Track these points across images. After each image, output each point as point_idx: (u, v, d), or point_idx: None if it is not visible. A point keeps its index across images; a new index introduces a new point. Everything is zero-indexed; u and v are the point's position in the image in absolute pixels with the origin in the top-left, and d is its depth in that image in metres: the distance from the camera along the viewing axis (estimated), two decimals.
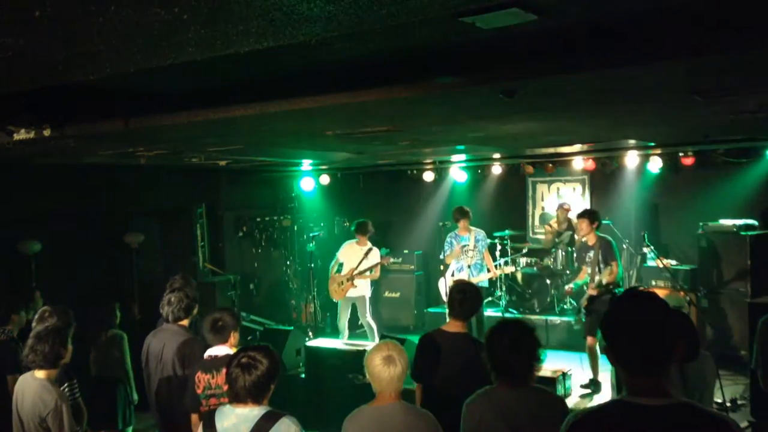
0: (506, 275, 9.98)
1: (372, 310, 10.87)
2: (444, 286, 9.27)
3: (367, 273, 8.82)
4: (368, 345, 7.42)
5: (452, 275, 8.47)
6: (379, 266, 8.90)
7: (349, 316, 9.02)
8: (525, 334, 3.19)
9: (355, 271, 8.79)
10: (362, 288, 8.94)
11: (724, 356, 7.92)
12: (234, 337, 4.24)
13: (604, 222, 8.94)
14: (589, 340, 7.37)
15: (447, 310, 4.41)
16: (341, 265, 8.96)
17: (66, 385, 4.30)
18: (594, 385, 7.32)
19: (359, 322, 10.72)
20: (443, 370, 4.11)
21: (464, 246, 8.40)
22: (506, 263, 9.72)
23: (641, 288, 2.18)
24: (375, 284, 10.82)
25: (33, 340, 4.01)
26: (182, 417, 4.56)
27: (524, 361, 3.12)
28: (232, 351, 4.02)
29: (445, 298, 9.54)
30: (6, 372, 4.88)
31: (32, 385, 3.96)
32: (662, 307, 2.04)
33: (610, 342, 2.06)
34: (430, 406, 3.51)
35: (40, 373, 3.98)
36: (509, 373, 3.13)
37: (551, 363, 7.18)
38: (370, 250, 8.94)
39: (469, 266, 8.31)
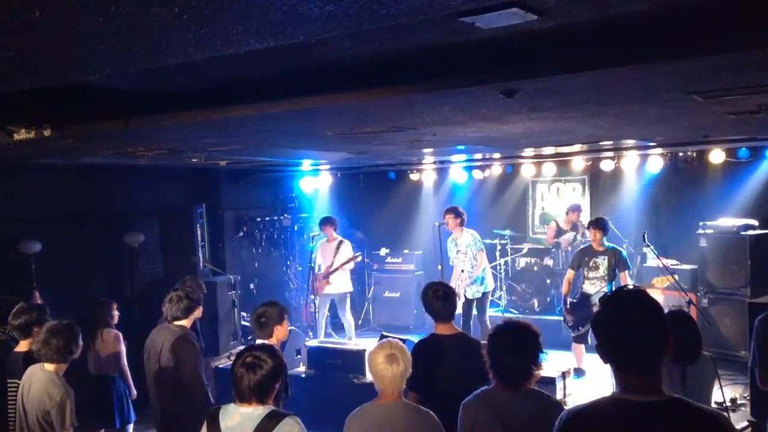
0: (506, 273, 9.99)
1: (372, 310, 10.91)
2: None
3: (341, 267, 8.85)
4: (346, 342, 7.50)
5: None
6: (349, 260, 8.92)
7: (326, 313, 9.08)
8: (528, 337, 3.17)
9: (331, 268, 8.80)
10: (340, 284, 8.94)
11: (723, 356, 7.92)
12: (279, 331, 4.26)
13: None
14: (577, 347, 7.64)
15: (432, 317, 4.34)
16: (319, 266, 9.08)
17: None
18: (577, 373, 7.40)
19: (358, 321, 10.74)
20: (445, 373, 4.07)
21: (457, 251, 8.22)
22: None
23: (631, 286, 2.19)
24: (375, 284, 10.86)
25: (47, 333, 4.06)
26: (175, 416, 4.59)
27: (524, 365, 3.11)
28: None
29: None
30: (6, 371, 4.89)
31: (40, 377, 4.02)
32: (651, 305, 2.05)
33: (601, 340, 2.08)
34: (432, 408, 3.50)
35: (49, 366, 4.05)
36: (507, 375, 3.12)
37: (551, 363, 7.18)
38: (340, 243, 9.00)
39: (463, 271, 8.11)
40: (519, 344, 3.13)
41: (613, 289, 7.22)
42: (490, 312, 9.69)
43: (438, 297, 4.22)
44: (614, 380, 2.13)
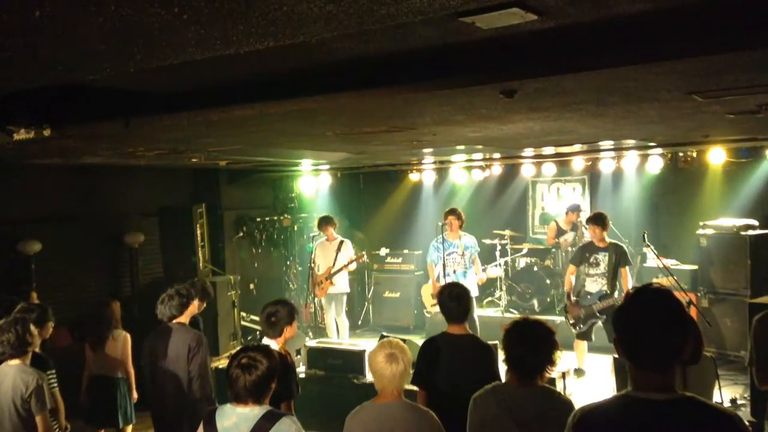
0: (506, 273, 9.99)
1: (372, 310, 10.91)
2: (427, 293, 9.20)
3: (346, 267, 8.83)
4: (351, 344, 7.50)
5: (437, 281, 8.21)
6: (353, 260, 8.91)
7: (334, 314, 9.04)
8: (544, 333, 3.22)
9: (333, 269, 8.80)
10: (341, 285, 8.94)
11: (723, 356, 7.93)
12: (288, 331, 4.22)
13: None
14: (579, 345, 7.65)
15: (445, 317, 4.36)
16: (319, 266, 9.05)
17: (48, 374, 4.44)
18: (577, 373, 7.44)
19: (358, 321, 10.75)
20: (451, 372, 4.08)
21: (451, 252, 8.16)
22: (496, 266, 9.68)
23: (657, 285, 2.17)
24: (375, 284, 10.86)
25: None
26: (174, 416, 4.61)
27: (539, 361, 3.14)
28: (278, 347, 4.09)
29: (428, 306, 9.54)
30: None
31: (10, 371, 4.09)
32: (676, 305, 2.05)
33: (621, 335, 2.07)
34: (436, 407, 3.51)
35: (13, 361, 4.13)
36: (521, 369, 3.15)
37: None
38: (341, 243, 8.97)
39: (454, 272, 8.10)
40: (535, 338, 3.18)
41: (614, 286, 7.26)
42: (491, 312, 9.72)
43: (452, 297, 4.25)
44: (616, 378, 2.13)
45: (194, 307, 4.98)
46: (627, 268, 7.39)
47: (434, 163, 10.15)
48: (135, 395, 5.82)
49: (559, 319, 9.18)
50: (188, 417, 4.52)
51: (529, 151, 8.71)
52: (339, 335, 8.94)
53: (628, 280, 7.37)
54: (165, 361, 4.68)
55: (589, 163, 9.40)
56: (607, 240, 7.44)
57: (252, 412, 2.99)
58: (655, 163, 8.81)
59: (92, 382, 5.80)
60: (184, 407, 4.61)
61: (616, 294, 7.25)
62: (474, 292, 8.11)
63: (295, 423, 3.02)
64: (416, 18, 2.03)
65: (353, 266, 8.96)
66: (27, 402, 4.01)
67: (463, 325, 4.27)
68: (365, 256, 9.46)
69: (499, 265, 9.92)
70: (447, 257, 8.13)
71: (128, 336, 5.80)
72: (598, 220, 7.41)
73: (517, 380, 3.17)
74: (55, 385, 4.61)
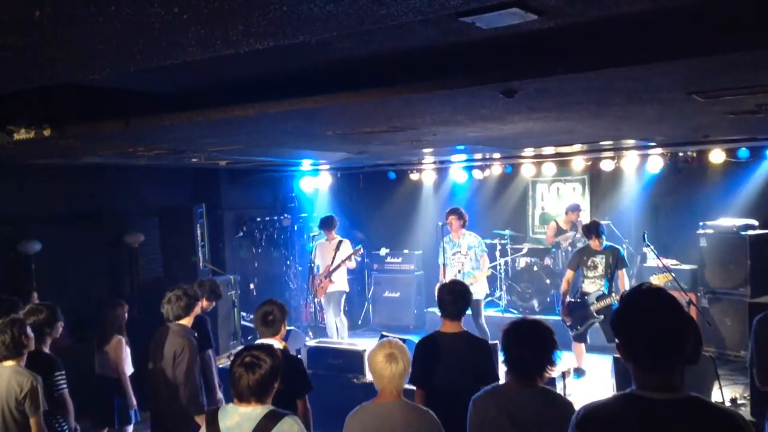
0: (506, 273, 9.99)
1: (372, 310, 10.90)
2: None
3: (344, 263, 8.86)
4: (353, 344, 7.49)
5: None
6: (352, 257, 8.94)
7: (333, 313, 9.07)
8: (543, 333, 3.21)
9: (331, 267, 8.82)
10: (340, 283, 8.97)
11: (723, 356, 7.93)
12: (283, 328, 4.35)
13: (603, 222, 8.98)
14: (578, 347, 7.65)
15: (440, 313, 4.36)
16: (318, 266, 9.10)
17: (56, 375, 4.47)
18: (577, 373, 7.45)
19: (358, 321, 10.75)
20: (447, 371, 4.09)
21: (455, 252, 8.25)
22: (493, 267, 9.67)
23: (650, 285, 2.16)
24: (375, 284, 10.86)
25: None
26: (173, 416, 4.61)
27: (539, 361, 3.13)
28: (281, 345, 4.14)
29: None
30: None
31: (4, 372, 4.08)
32: (673, 303, 2.04)
33: (621, 338, 2.06)
34: (434, 406, 3.51)
35: (8, 362, 4.11)
36: (522, 370, 3.14)
37: None
38: (340, 242, 9.01)
39: (459, 272, 8.14)
40: (534, 338, 3.17)
41: (611, 288, 7.30)
42: (491, 312, 9.71)
43: (452, 293, 4.25)
44: (616, 378, 2.12)
45: (199, 307, 5.00)
46: (624, 270, 7.48)
47: (434, 163, 10.15)
48: (133, 402, 5.76)
49: (559, 318, 9.19)
50: (179, 419, 4.54)
51: (529, 151, 8.70)
52: (339, 335, 8.96)
53: (625, 282, 7.45)
54: (161, 362, 4.70)
55: (589, 163, 9.39)
56: (604, 244, 7.48)
57: (254, 412, 2.99)
58: (655, 163, 8.81)
59: (94, 381, 5.81)
60: (174, 409, 4.63)
61: (613, 294, 7.28)
62: (480, 294, 8.13)
63: (297, 423, 3.01)
64: (416, 18, 2.03)
65: (351, 263, 8.99)
66: (21, 404, 3.99)
67: (457, 323, 4.27)
68: (362, 249, 9.50)
69: (499, 266, 9.91)
70: (452, 257, 8.16)
71: (122, 340, 5.77)
72: (593, 230, 7.46)
73: (517, 381, 3.16)
74: (64, 386, 4.56)
